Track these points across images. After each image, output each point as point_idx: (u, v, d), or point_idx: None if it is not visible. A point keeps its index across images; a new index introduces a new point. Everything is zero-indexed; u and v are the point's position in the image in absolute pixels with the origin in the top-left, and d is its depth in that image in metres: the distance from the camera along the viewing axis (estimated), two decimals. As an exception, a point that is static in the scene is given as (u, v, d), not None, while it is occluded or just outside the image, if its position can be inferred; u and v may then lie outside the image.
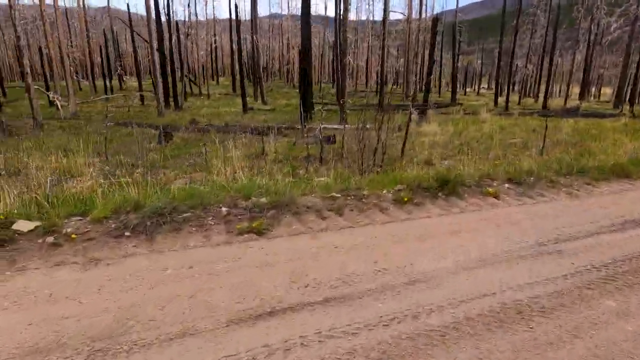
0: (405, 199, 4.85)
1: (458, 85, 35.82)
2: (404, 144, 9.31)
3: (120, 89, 37.10)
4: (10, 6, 12.59)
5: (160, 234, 3.75)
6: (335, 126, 14.51)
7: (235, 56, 35.76)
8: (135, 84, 31.81)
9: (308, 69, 12.06)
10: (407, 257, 3.55)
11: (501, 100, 27.91)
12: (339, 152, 9.36)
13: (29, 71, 12.71)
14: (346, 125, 14.56)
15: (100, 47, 35.15)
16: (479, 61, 63.29)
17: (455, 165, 7.70)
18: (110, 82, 33.12)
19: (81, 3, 31.07)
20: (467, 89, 55.03)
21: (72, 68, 21.02)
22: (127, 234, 3.70)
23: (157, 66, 18.04)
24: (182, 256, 3.42)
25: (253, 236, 3.85)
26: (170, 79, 21.97)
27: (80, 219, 3.86)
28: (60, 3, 41.12)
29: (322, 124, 9.35)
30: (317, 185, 5.65)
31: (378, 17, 47.82)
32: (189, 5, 43.81)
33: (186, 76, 33.29)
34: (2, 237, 3.42)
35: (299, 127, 13.12)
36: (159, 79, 18.22)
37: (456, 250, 3.72)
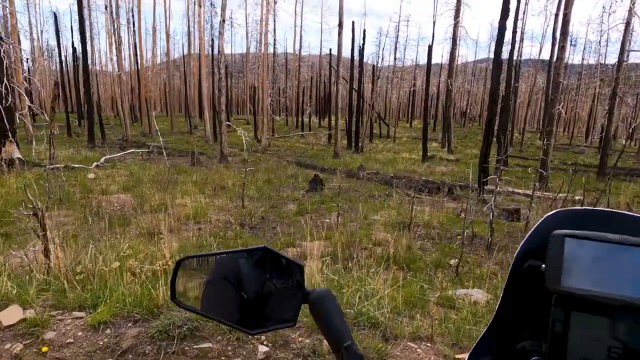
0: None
1: None
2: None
3: (319, 126, 40.10)
4: (219, 52, 14.08)
5: (150, 375, 2.40)
6: (528, 192, 11.34)
7: (432, 100, 34.83)
8: (341, 121, 33.40)
9: (496, 119, 9.63)
10: None
11: None
12: (519, 238, 6.70)
13: (223, 108, 13.82)
14: (545, 193, 11.24)
15: (304, 88, 38.70)
16: None
17: None
18: (310, 119, 35.96)
19: (296, 51, 35.24)
20: None
21: (271, 106, 23.10)
22: (108, 361, 2.47)
23: (338, 106, 17.98)
24: None
25: None
26: (354, 120, 21.92)
27: (79, 318, 2.84)
28: (288, 50, 47.69)
29: (497, 188, 6.87)
30: (456, 306, 3.54)
31: (612, 59, 39.75)
32: (382, 49, 44.92)
33: (377, 114, 33.52)
34: (-28, 329, 2.61)
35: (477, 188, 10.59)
36: (339, 119, 18.10)
37: None
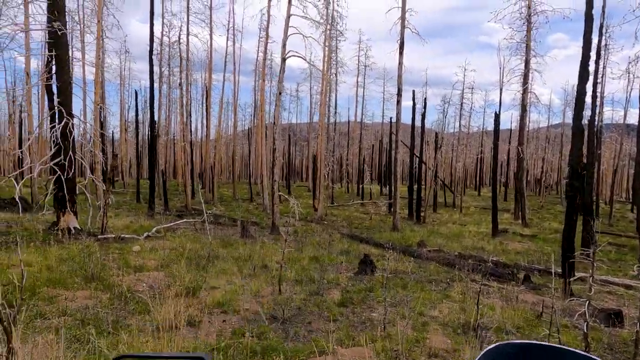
0: None
1: None
2: None
3: (381, 193, 39.13)
4: (274, 123, 14.14)
5: None
6: (629, 282, 9.29)
7: (502, 167, 33.06)
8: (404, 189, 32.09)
9: (580, 192, 8.20)
10: None
11: None
12: (625, 354, 5.11)
13: (276, 179, 13.59)
14: (649, 284, 9.12)
15: (366, 155, 38.50)
16: None
17: None
18: (371, 187, 35.24)
19: (357, 119, 35.76)
20: None
21: (329, 174, 22.79)
22: None
23: (397, 174, 17.10)
24: None
25: None
26: (415, 188, 20.81)
27: None
28: (350, 118, 48.67)
29: (591, 291, 5.36)
30: None
31: None
32: (446, 115, 43.94)
33: (441, 182, 31.91)
34: None
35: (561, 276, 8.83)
36: (398, 188, 17.13)
37: None
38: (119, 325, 5.10)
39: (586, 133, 16.35)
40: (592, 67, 13.26)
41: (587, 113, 16.97)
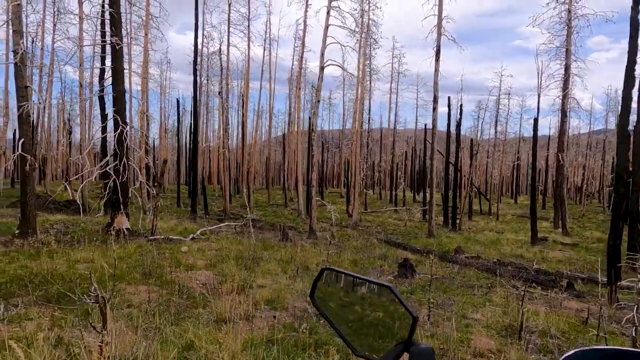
0: None
1: None
2: None
3: (414, 200, 38.89)
4: (312, 129, 14.51)
5: None
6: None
7: (540, 175, 32.44)
8: (438, 196, 31.71)
9: (624, 199, 8.09)
10: None
11: None
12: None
13: (314, 184, 13.91)
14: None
15: (399, 162, 38.40)
16: None
17: None
18: (404, 193, 35.14)
19: (390, 125, 35.80)
20: None
21: (363, 181, 22.99)
22: None
23: (433, 181, 17.10)
24: None
25: None
26: (450, 195, 20.68)
27: None
28: (383, 124, 48.73)
29: (639, 281, 5.35)
30: None
31: None
32: (481, 122, 43.13)
33: (476, 189, 31.44)
34: None
35: (606, 284, 8.69)
36: (434, 194, 17.12)
37: None
38: (180, 317, 5.52)
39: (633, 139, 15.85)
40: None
41: (634, 118, 16.48)
